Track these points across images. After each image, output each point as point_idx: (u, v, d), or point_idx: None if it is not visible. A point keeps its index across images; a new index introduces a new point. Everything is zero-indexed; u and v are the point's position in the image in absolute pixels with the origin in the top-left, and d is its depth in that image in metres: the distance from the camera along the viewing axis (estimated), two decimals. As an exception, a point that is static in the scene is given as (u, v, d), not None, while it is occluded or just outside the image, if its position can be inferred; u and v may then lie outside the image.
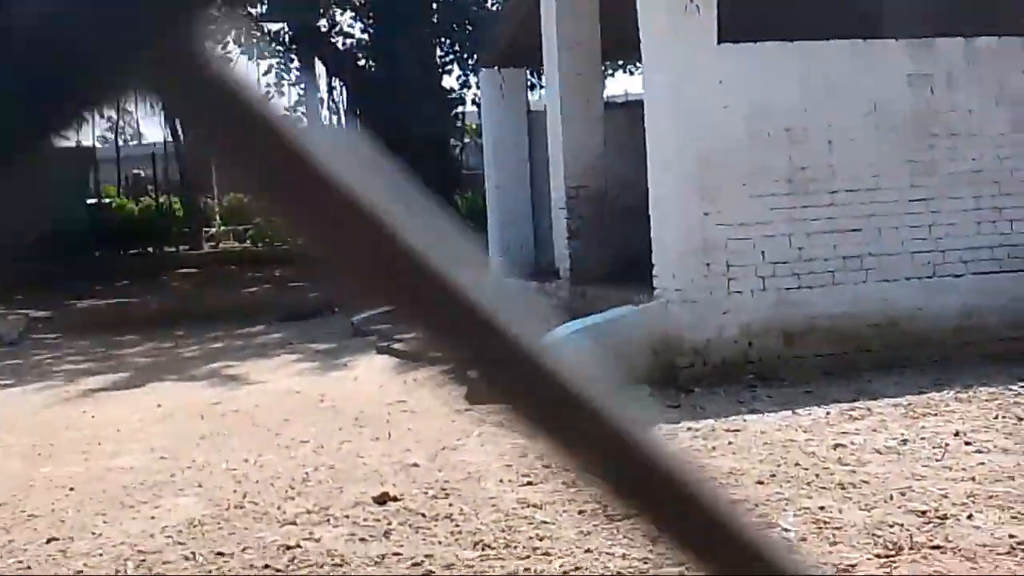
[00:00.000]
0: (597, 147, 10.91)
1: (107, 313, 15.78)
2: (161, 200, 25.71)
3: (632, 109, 13.06)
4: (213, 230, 26.37)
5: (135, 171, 28.75)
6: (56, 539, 5.20)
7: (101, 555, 4.93)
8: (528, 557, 4.57)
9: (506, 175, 12.89)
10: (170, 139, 25.74)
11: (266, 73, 23.34)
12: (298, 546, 4.89)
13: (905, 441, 6.07)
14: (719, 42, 8.50)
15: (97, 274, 20.69)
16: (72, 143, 35.59)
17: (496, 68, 12.83)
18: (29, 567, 4.84)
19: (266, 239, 25.56)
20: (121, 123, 35.99)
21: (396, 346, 10.38)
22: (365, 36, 23.88)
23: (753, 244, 8.47)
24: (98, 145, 28.59)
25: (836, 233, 8.60)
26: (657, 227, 8.71)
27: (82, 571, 4.73)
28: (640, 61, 9.64)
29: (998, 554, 4.18)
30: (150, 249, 24.37)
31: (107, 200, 26.03)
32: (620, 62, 21.49)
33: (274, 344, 11.68)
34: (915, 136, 8.86)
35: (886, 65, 8.85)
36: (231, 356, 10.96)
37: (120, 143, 32.54)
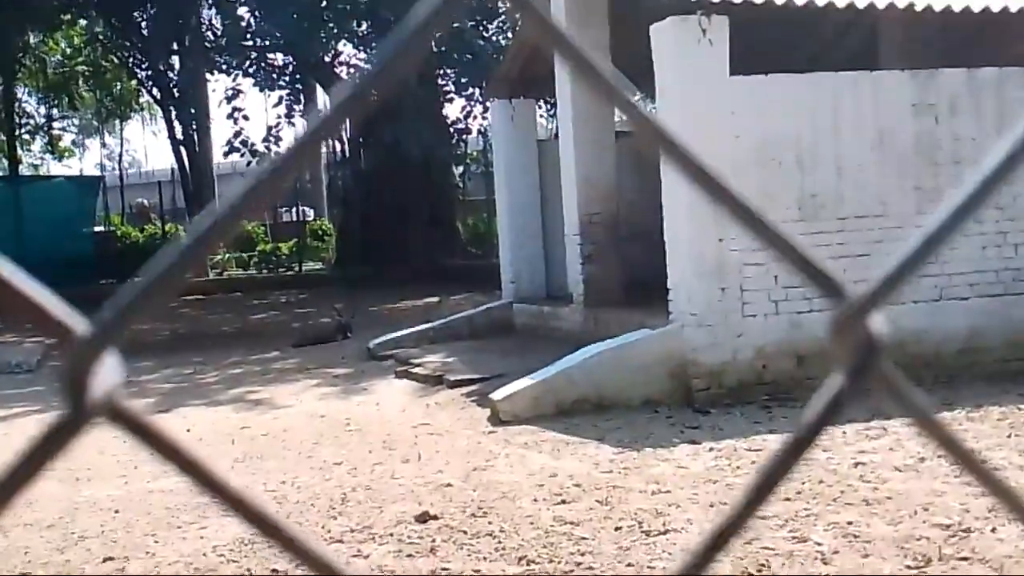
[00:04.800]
0: (609, 175, 11.18)
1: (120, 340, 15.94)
2: (166, 227, 25.92)
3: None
4: (217, 257, 26.59)
5: (139, 199, 29.03)
6: (112, 559, 5.40)
7: (158, 573, 5.13)
8: (572, 571, 4.78)
9: (518, 203, 13.15)
10: (175, 167, 26.02)
11: (276, 104, 23.67)
12: (348, 562, 5.09)
13: (923, 459, 6.30)
14: (731, 74, 8.78)
15: (103, 302, 20.87)
16: (76, 172, 35.68)
17: (508, 99, 13.11)
18: (91, 585, 5.04)
19: (271, 265, 25.82)
20: (123, 151, 36.24)
21: (414, 370, 10.59)
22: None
23: (766, 269, 8.72)
24: (102, 174, 28.84)
25: (845, 258, 8.83)
26: (672, 253, 8.96)
27: (143, 588, 4.93)
28: (649, 90, 9.91)
29: None
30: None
31: (112, 228, 26.27)
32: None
33: (292, 369, 11.87)
34: (920, 163, 9.14)
35: (891, 95, 9.15)
36: (252, 381, 11.16)
37: (126, 171, 32.83)
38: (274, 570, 5.06)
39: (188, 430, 8.68)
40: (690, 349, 8.63)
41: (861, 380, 0.59)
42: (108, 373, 0.48)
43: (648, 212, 10.11)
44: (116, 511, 6.33)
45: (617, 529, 5.33)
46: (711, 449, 6.97)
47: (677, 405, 8.40)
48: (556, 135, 13.38)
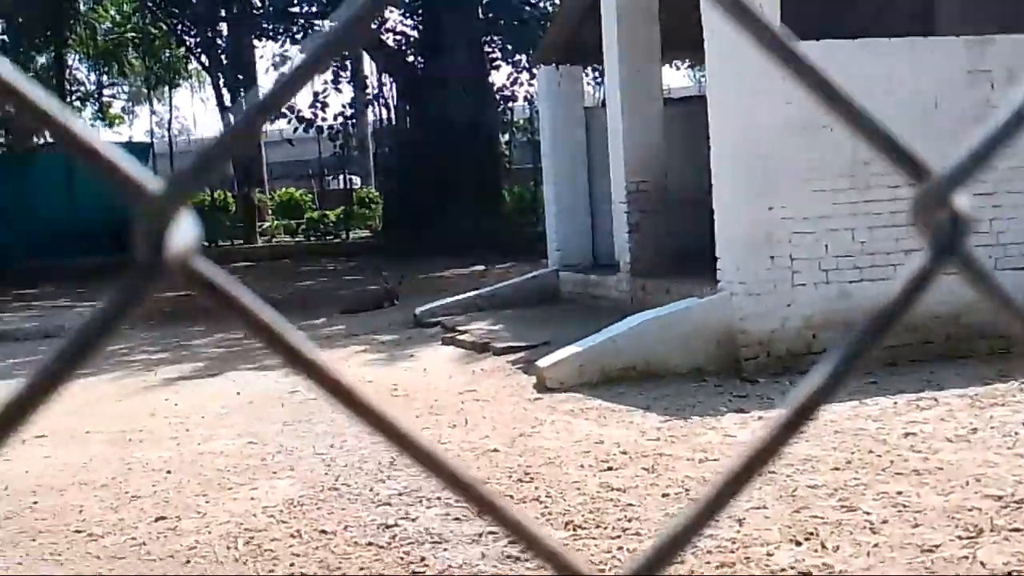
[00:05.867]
0: (657, 142, 11.08)
1: (171, 304, 16.15)
2: (215, 195, 26.15)
3: (688, 104, 13.25)
4: (266, 224, 26.78)
5: (188, 166, 29.29)
6: (164, 518, 5.48)
7: (210, 532, 5.20)
8: (619, 536, 4.79)
9: (564, 170, 13.11)
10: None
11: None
12: (396, 524, 5.14)
13: (975, 430, 6.22)
14: (783, 39, 8.64)
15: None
16: (126, 139, 36.14)
17: (554, 65, 13.03)
18: (143, 543, 5.12)
19: (318, 233, 25.96)
20: (173, 118, 36.56)
21: (461, 337, 10.63)
22: (415, 33, 24.16)
23: (816, 238, 8.62)
24: (152, 141, 29.10)
25: (898, 227, 8.72)
26: (721, 221, 8.88)
27: (195, 547, 5.00)
28: (697, 58, 9.81)
29: (1077, 536, 4.35)
30: (204, 243, 24.79)
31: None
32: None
33: (339, 335, 11.96)
34: (975, 131, 8.95)
35: (946, 61, 8.97)
36: (299, 347, 11.25)
37: (175, 138, 33.12)
38: (323, 531, 5.11)
39: (238, 393, 8.79)
40: (738, 318, 8.56)
41: (945, 259, 0.58)
42: (183, 233, 0.47)
43: (696, 180, 10.04)
44: (168, 472, 6.43)
45: (664, 496, 5.32)
46: (759, 418, 6.93)
47: (725, 374, 8.35)
48: (603, 102, 13.29)
